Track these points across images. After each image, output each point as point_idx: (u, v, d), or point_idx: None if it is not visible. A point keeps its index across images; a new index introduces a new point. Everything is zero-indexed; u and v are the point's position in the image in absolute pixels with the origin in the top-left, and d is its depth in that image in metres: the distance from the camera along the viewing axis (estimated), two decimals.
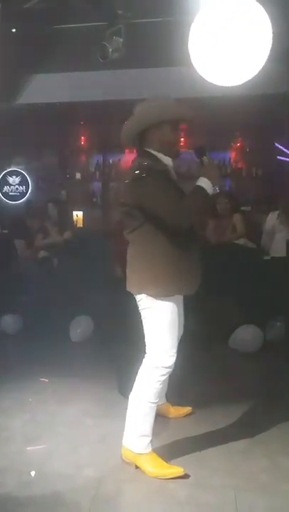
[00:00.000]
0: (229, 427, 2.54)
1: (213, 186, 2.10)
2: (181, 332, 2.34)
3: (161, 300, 2.08)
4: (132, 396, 2.14)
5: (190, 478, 2.07)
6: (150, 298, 2.09)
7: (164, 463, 2.11)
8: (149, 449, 2.13)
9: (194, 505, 1.91)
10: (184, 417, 2.62)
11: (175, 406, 2.62)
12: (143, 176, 2.02)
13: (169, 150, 2.16)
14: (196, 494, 1.98)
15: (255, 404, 2.82)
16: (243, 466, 2.18)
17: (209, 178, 2.09)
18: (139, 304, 2.16)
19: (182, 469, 2.07)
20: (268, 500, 1.94)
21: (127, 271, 2.21)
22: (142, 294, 2.11)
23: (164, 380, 2.13)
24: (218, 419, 2.61)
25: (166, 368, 2.09)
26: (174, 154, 2.20)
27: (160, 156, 2.15)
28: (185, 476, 2.06)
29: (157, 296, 2.08)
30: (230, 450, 2.32)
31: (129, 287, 2.18)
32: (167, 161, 2.17)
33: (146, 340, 2.15)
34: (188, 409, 2.65)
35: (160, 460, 2.12)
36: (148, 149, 2.16)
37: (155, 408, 2.14)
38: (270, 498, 1.95)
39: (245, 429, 2.52)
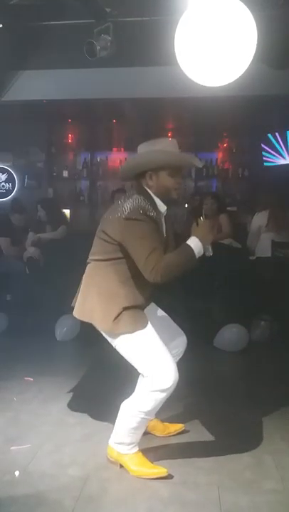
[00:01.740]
0: (213, 425, 2.55)
1: (206, 247, 2.03)
2: (184, 345, 2.31)
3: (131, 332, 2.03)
4: (126, 407, 2.09)
5: (174, 476, 2.07)
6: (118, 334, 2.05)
7: (148, 462, 2.11)
8: (135, 450, 2.13)
9: (178, 503, 1.92)
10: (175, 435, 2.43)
11: (165, 423, 2.46)
12: (137, 218, 1.96)
13: (166, 195, 2.11)
14: (180, 492, 1.98)
15: (239, 403, 2.85)
16: (227, 464, 2.20)
17: (201, 239, 2.03)
18: (110, 341, 2.11)
19: (166, 470, 2.07)
20: (251, 497, 1.95)
21: (83, 298, 2.14)
22: (109, 331, 2.06)
23: (163, 400, 2.05)
24: (202, 418, 2.62)
25: (165, 390, 2.00)
26: (170, 201, 2.15)
27: (157, 201, 2.10)
28: (169, 477, 2.06)
29: (129, 333, 2.03)
30: (214, 448, 2.33)
31: (86, 317, 2.12)
32: (162, 208, 2.13)
33: (138, 369, 2.07)
34: (179, 426, 2.46)
35: (144, 459, 2.12)
36: (147, 189, 2.11)
37: (147, 423, 2.13)
38: (254, 496, 1.96)
39: (229, 427, 2.54)
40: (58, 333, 4.04)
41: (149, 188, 2.11)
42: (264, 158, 6.21)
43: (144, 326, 2.05)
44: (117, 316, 2.02)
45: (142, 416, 2.05)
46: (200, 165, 2.24)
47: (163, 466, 2.11)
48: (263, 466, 2.19)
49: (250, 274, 4.13)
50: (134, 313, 2.05)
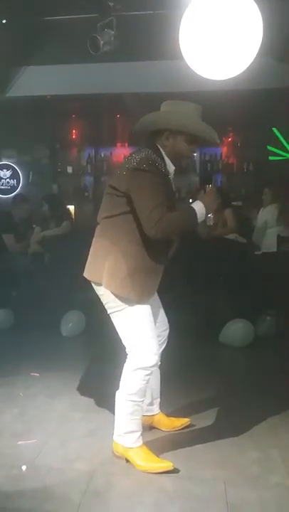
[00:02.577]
0: (219, 420, 2.55)
1: (208, 215, 2.06)
2: (166, 333, 2.30)
3: (134, 304, 2.02)
4: (118, 395, 2.12)
5: (180, 470, 2.08)
6: (116, 299, 2.02)
7: (154, 457, 2.12)
8: (140, 443, 2.13)
9: (185, 497, 1.92)
10: (181, 429, 2.42)
11: (171, 417, 2.45)
12: (145, 169, 1.94)
13: (177, 159, 2.11)
14: (186, 487, 1.99)
15: (245, 398, 2.84)
16: (234, 458, 2.20)
17: (205, 205, 2.05)
18: (106, 307, 2.09)
19: (171, 464, 2.07)
20: (258, 492, 1.95)
21: (92, 257, 2.11)
22: (109, 291, 2.02)
23: (148, 379, 2.08)
24: (208, 412, 2.62)
25: (149, 367, 2.05)
26: (180, 165, 2.16)
27: (167, 160, 2.08)
28: (174, 471, 2.06)
29: (129, 301, 2.01)
30: (220, 443, 2.33)
31: (86, 273, 2.11)
32: (170, 168, 2.11)
33: (123, 341, 2.09)
34: (185, 421, 2.45)
35: (150, 454, 2.12)
36: (159, 147, 2.08)
37: (141, 405, 2.13)
38: (260, 490, 1.96)
39: (235, 422, 2.54)
40: (64, 329, 4.06)
41: (163, 148, 2.08)
42: (269, 153, 6.17)
43: (147, 298, 2.04)
44: (126, 276, 1.98)
45: (132, 399, 2.06)
46: (218, 142, 2.21)
47: (169, 460, 2.11)
48: (270, 461, 2.19)
49: (255, 270, 4.12)
50: (142, 280, 2.01)
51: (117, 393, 2.13)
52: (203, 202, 2.06)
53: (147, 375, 2.06)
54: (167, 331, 2.34)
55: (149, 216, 1.92)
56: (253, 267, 4.15)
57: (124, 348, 2.12)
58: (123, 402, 2.09)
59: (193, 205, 2.06)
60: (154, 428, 2.40)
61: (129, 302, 2.03)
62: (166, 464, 2.08)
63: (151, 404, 2.37)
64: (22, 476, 2.06)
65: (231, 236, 4.58)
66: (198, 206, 2.05)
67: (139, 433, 2.13)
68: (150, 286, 2.08)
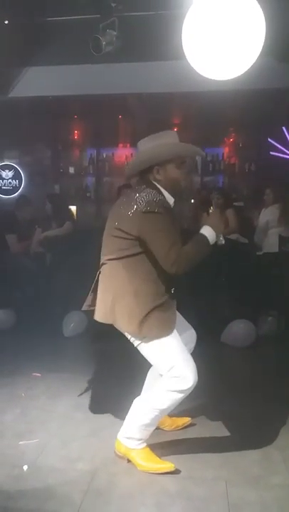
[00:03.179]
0: (220, 420, 2.55)
1: (218, 236, 2.07)
2: (194, 341, 2.30)
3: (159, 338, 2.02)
4: (139, 404, 2.10)
5: (182, 471, 2.08)
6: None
7: (156, 457, 2.12)
8: (143, 445, 2.14)
9: (186, 497, 1.92)
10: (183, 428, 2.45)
11: (173, 417, 2.45)
12: (156, 211, 1.96)
13: (174, 188, 2.12)
14: (187, 487, 1.99)
15: (246, 399, 2.84)
16: (235, 459, 2.20)
17: (213, 228, 2.07)
18: (131, 340, 2.09)
19: (173, 465, 2.07)
20: (259, 492, 1.95)
21: (102, 298, 2.11)
22: (133, 333, 2.04)
23: (180, 401, 2.06)
24: (209, 413, 2.62)
25: (184, 391, 2.02)
26: (179, 193, 2.17)
27: (166, 194, 2.10)
28: (176, 472, 2.06)
29: (154, 338, 2.01)
30: (221, 443, 2.33)
31: (98, 315, 2.12)
32: (170, 200, 2.12)
33: (158, 369, 2.08)
34: (186, 420, 2.49)
35: (152, 455, 2.12)
36: (154, 183, 2.10)
37: (159, 420, 2.14)
38: (262, 491, 1.96)
39: (236, 422, 2.54)
40: (66, 329, 4.06)
41: (157, 182, 2.11)
42: (271, 152, 6.17)
43: (170, 330, 2.04)
44: (144, 318, 2.00)
45: (156, 413, 2.06)
46: (203, 154, 2.25)
47: (170, 461, 2.11)
48: (271, 461, 2.19)
49: (257, 270, 4.11)
50: (160, 316, 2.03)
51: (139, 401, 2.11)
52: (210, 225, 2.08)
53: (182, 397, 2.04)
54: (194, 343, 2.32)
55: (168, 256, 1.95)
56: (255, 267, 4.15)
57: (135, 352, 2.12)
58: (143, 413, 2.08)
59: (202, 231, 2.07)
60: (158, 428, 2.38)
61: (154, 336, 2.02)
62: (167, 465, 2.08)
63: None
64: (24, 475, 2.06)
65: (233, 236, 4.58)
66: (207, 231, 2.07)
67: (145, 439, 2.14)
68: (170, 318, 2.07)
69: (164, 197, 2.08)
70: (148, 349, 2.06)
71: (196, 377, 2.03)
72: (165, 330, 2.03)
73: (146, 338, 2.04)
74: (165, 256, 1.96)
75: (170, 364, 2.02)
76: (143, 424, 2.08)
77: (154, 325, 2.01)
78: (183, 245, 2.00)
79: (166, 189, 2.11)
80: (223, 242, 2.10)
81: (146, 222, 1.98)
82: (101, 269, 2.15)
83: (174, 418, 2.46)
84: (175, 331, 2.06)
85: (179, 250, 1.97)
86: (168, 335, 2.03)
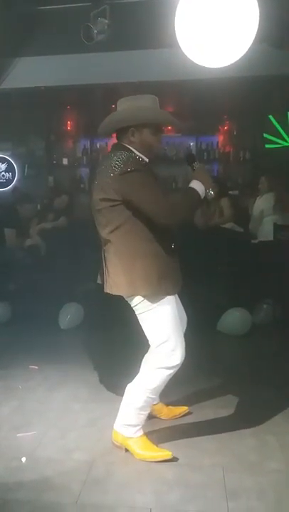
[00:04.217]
0: (217, 408, 2.57)
1: (207, 190, 2.07)
2: (185, 325, 2.30)
3: (158, 301, 2.03)
4: (131, 388, 2.12)
5: (179, 459, 2.09)
6: (146, 300, 2.03)
7: (153, 446, 2.13)
8: (140, 433, 2.15)
9: (183, 485, 1.94)
10: (180, 417, 2.46)
11: (169, 406, 2.49)
12: (132, 169, 1.94)
13: (148, 151, 2.09)
14: (185, 474, 2.01)
15: (242, 386, 2.86)
16: (231, 445, 2.22)
17: (201, 181, 2.07)
18: (135, 308, 2.09)
19: (170, 453, 2.09)
20: (255, 478, 1.97)
21: (110, 273, 2.10)
22: (135, 296, 2.04)
23: (168, 379, 2.09)
24: (206, 400, 2.64)
25: (173, 367, 2.06)
26: (153, 156, 2.15)
27: (139, 155, 2.07)
28: (173, 459, 2.08)
29: (152, 296, 2.02)
30: (218, 430, 2.35)
31: (117, 290, 2.08)
32: (145, 159, 2.10)
33: (149, 340, 2.10)
34: (184, 409, 2.50)
35: (149, 443, 2.14)
36: (127, 146, 2.08)
37: (152, 402, 2.15)
38: (258, 477, 1.98)
39: (232, 409, 2.56)
40: (62, 321, 4.06)
41: (131, 144, 2.08)
42: (266, 141, 6.14)
43: (178, 289, 2.07)
44: (160, 277, 2.00)
45: (148, 394, 2.08)
46: (180, 126, 2.26)
47: (167, 448, 2.13)
48: (267, 447, 2.21)
49: (252, 258, 4.12)
50: (171, 275, 2.05)
51: (131, 386, 2.13)
52: (197, 179, 2.08)
53: (169, 374, 2.07)
54: (185, 318, 2.34)
55: (160, 208, 1.95)
56: (250, 255, 4.15)
57: (132, 342, 2.14)
58: (136, 396, 2.09)
59: (190, 185, 2.07)
60: (155, 417, 2.41)
61: (160, 301, 2.03)
62: (165, 453, 2.10)
63: None
64: (22, 467, 2.07)
65: (228, 225, 4.58)
66: (196, 184, 2.07)
67: (141, 425, 2.15)
68: (176, 275, 2.10)
69: (139, 157, 2.06)
70: (149, 318, 2.06)
71: (184, 355, 2.07)
72: (175, 287, 2.07)
73: (150, 303, 2.02)
74: (155, 208, 1.95)
75: (165, 337, 2.04)
76: (138, 407, 2.10)
77: (168, 283, 2.02)
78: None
79: (139, 151, 2.08)
80: (213, 195, 2.10)
81: (126, 183, 1.95)
82: (104, 246, 2.12)
83: (171, 407, 2.48)
84: (176, 307, 2.09)
85: (168, 201, 1.96)
86: (175, 293, 2.08)
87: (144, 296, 2.03)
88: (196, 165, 2.17)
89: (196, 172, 2.14)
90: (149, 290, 2.02)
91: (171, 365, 2.05)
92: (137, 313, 2.10)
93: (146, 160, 2.09)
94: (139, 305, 2.06)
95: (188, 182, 2.12)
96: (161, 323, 2.05)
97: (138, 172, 1.95)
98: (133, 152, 2.05)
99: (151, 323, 2.07)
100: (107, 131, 2.21)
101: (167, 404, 2.49)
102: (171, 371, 2.06)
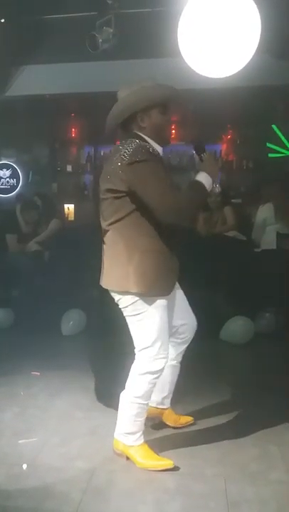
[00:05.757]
0: (219, 417, 2.56)
1: (214, 184, 1.99)
2: (193, 330, 2.27)
3: (149, 304, 1.97)
4: (123, 395, 2.11)
5: (181, 468, 2.08)
6: (137, 303, 1.97)
7: (155, 455, 2.12)
8: (141, 441, 2.14)
9: (185, 494, 1.93)
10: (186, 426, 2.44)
11: (178, 414, 2.46)
12: (141, 159, 1.85)
13: (160, 135, 2.02)
14: (186, 483, 1.99)
15: (245, 395, 2.85)
16: (233, 455, 2.20)
17: (209, 174, 1.98)
18: (124, 310, 2.03)
19: (172, 462, 2.08)
20: (257, 488, 1.96)
21: (105, 265, 2.05)
22: (125, 295, 1.98)
23: (155, 382, 2.08)
24: (208, 410, 2.63)
25: (157, 371, 2.04)
26: (166, 140, 2.07)
27: (152, 143, 1.98)
28: (175, 468, 2.07)
29: (143, 296, 1.96)
30: (220, 440, 2.33)
31: (109, 284, 2.03)
32: (158, 149, 2.01)
33: (134, 342, 2.07)
34: (189, 419, 2.46)
35: (151, 452, 2.13)
36: (139, 133, 1.99)
37: (146, 408, 2.13)
38: (260, 487, 1.97)
39: (235, 419, 2.55)
40: (64, 328, 4.06)
41: (142, 131, 2.00)
42: (269, 150, 6.17)
43: (171, 289, 2.01)
44: (156, 276, 1.94)
45: (138, 401, 2.06)
46: (183, 99, 2.18)
47: (169, 457, 2.11)
48: (269, 457, 2.19)
49: (255, 267, 4.12)
50: (167, 275, 1.98)
51: (123, 394, 2.12)
52: (204, 171, 1.99)
53: (154, 378, 2.05)
54: (194, 324, 2.28)
55: (162, 203, 1.85)
56: (253, 264, 4.15)
57: (133, 348, 2.10)
58: (128, 404, 2.08)
59: (197, 178, 1.98)
60: (161, 422, 2.40)
61: (151, 304, 1.98)
62: (166, 462, 2.08)
63: (166, 397, 2.37)
64: (23, 474, 2.07)
65: (231, 233, 4.58)
66: (203, 177, 1.97)
67: (141, 432, 2.14)
68: (173, 275, 2.05)
69: (151, 145, 1.96)
70: (137, 321, 2.01)
71: (167, 359, 2.05)
72: (168, 288, 2.00)
73: (141, 306, 1.97)
74: (158, 204, 1.85)
75: (148, 343, 2.00)
76: (132, 414, 2.08)
77: (163, 283, 1.97)
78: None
79: (151, 138, 2.00)
80: (220, 189, 2.03)
81: (133, 173, 1.86)
82: (104, 238, 2.07)
83: (179, 415, 2.46)
84: (166, 312, 2.02)
85: (172, 197, 1.86)
86: (168, 294, 2.00)
87: (136, 296, 1.96)
88: (204, 155, 2.05)
89: (204, 163, 2.03)
90: (143, 288, 1.94)
91: (154, 370, 2.03)
92: (125, 314, 2.05)
93: (160, 149, 2.01)
94: (130, 307, 2.02)
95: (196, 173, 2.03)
96: (148, 328, 2.01)
97: (146, 162, 1.86)
98: (145, 140, 1.97)
99: (138, 327, 2.04)
100: (113, 126, 2.09)
101: (176, 412, 2.47)
102: (156, 375, 2.04)
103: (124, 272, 1.96)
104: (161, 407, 2.39)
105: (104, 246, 2.08)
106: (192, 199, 1.96)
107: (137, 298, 1.99)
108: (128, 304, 2.02)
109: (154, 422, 2.40)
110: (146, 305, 1.99)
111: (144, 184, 1.87)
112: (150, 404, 2.26)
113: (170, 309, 2.10)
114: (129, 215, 1.95)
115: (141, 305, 2.00)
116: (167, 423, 2.43)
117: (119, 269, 1.98)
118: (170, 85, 2.08)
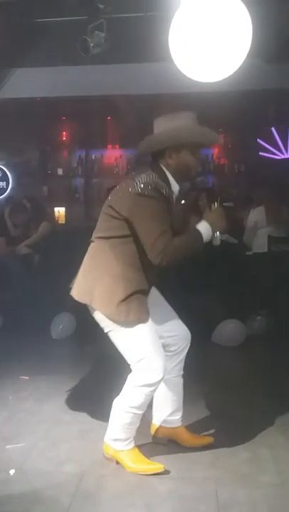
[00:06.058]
0: (210, 419, 2.55)
1: (215, 234, 1.99)
2: (187, 341, 2.20)
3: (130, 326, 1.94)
4: (118, 403, 2.06)
5: (171, 471, 2.06)
6: (107, 319, 1.97)
7: (145, 459, 2.10)
8: (131, 446, 2.11)
9: (176, 497, 1.91)
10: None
11: (193, 434, 2.29)
12: (149, 195, 1.87)
13: (185, 173, 2.04)
14: (177, 487, 1.98)
15: (236, 398, 2.84)
16: (224, 458, 2.19)
17: (211, 225, 1.99)
18: (97, 318, 2.01)
19: (162, 466, 2.05)
20: (248, 491, 1.95)
21: (83, 276, 2.04)
22: (106, 317, 1.96)
23: (152, 394, 2.04)
24: (200, 413, 2.61)
25: (153, 384, 1.98)
26: (189, 179, 2.13)
27: (172, 180, 2.01)
28: (165, 472, 2.05)
29: (130, 324, 1.94)
30: (211, 443, 2.31)
31: (74, 292, 2.03)
32: (175, 188, 2.04)
33: (125, 358, 2.02)
34: (208, 439, 2.28)
35: (141, 456, 2.10)
36: (163, 168, 2.01)
37: (140, 417, 2.07)
38: (251, 490, 1.96)
39: (226, 422, 2.53)
40: (54, 331, 4.02)
41: (167, 167, 2.01)
42: (260, 153, 6.22)
43: (146, 319, 1.97)
44: (122, 301, 1.92)
45: (134, 411, 2.03)
46: (220, 141, 2.17)
47: (159, 461, 2.09)
48: (260, 460, 2.18)
49: (246, 270, 4.13)
50: (139, 302, 1.95)
51: (117, 401, 2.07)
52: (208, 221, 2.00)
53: (152, 390, 2.01)
54: (186, 334, 2.21)
55: (154, 245, 1.87)
56: (244, 267, 4.17)
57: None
58: (123, 413, 2.04)
59: (198, 226, 1.99)
60: (173, 441, 2.27)
61: (128, 322, 1.95)
62: (156, 466, 2.06)
63: (171, 415, 2.24)
64: (11, 480, 2.03)
65: (223, 237, 4.58)
66: (204, 226, 1.98)
67: (132, 438, 2.11)
68: (145, 304, 2.00)
69: (169, 183, 1.99)
70: (119, 336, 1.99)
71: (164, 373, 1.98)
72: (143, 316, 1.96)
73: (120, 322, 1.95)
74: (151, 245, 1.87)
75: (140, 355, 1.96)
76: (125, 423, 2.05)
77: (133, 309, 1.93)
78: (174, 237, 1.91)
79: (174, 175, 2.01)
80: (219, 243, 2.00)
81: (137, 204, 1.89)
82: (89, 248, 2.07)
83: (193, 435, 2.29)
84: (151, 321, 1.99)
85: (167, 241, 1.87)
86: (144, 322, 1.96)
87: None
88: (214, 205, 2.06)
89: (211, 213, 2.04)
90: (107, 311, 1.95)
91: (151, 383, 1.97)
92: (105, 330, 2.03)
93: (177, 188, 2.03)
94: (102, 323, 2.01)
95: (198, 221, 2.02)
96: (134, 340, 1.96)
97: (153, 200, 1.88)
98: (166, 176, 1.98)
99: (122, 341, 2.00)
100: (144, 153, 2.14)
101: (188, 430, 2.29)
102: (153, 388, 1.99)
103: (90, 286, 1.99)
104: (168, 426, 2.26)
105: (86, 254, 2.09)
106: (185, 246, 1.96)
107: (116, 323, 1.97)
108: (99, 319, 2.02)
109: (160, 443, 2.27)
110: (126, 327, 1.96)
111: (143, 220, 1.90)
112: (155, 422, 2.23)
113: (153, 322, 2.04)
114: (120, 238, 1.97)
115: (109, 321, 1.98)
116: (181, 443, 2.25)
117: (87, 281, 2.01)
118: (205, 129, 2.07)
